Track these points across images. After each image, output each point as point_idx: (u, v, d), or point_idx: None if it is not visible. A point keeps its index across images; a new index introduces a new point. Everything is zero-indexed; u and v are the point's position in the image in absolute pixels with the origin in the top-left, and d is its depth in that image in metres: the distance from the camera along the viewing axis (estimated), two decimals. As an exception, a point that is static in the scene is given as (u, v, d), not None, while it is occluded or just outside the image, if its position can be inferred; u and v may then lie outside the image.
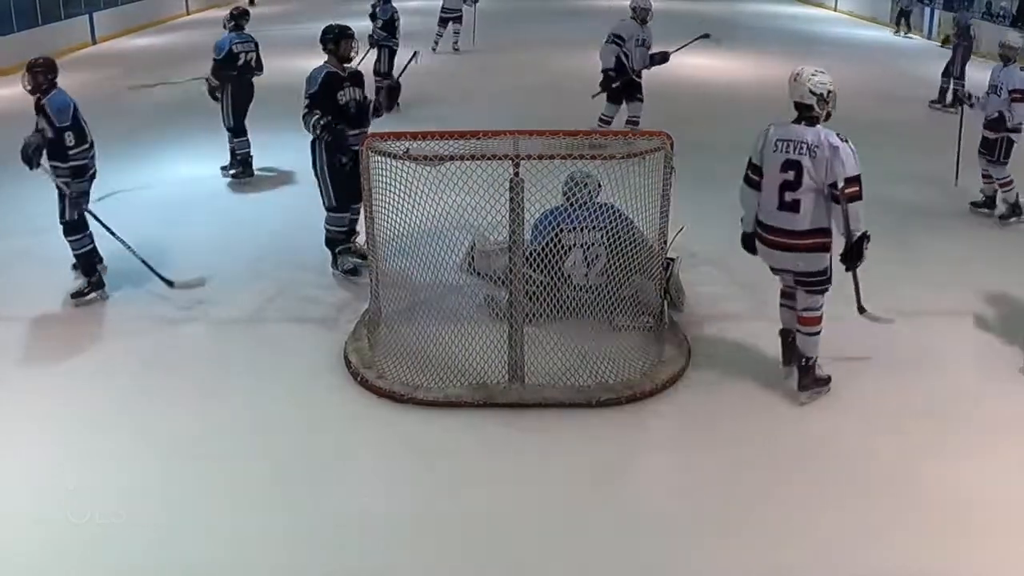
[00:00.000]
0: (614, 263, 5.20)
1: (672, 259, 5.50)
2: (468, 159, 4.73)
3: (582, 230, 5.37)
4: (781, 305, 4.80)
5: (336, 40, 6.02)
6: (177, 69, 12.65)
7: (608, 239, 5.30)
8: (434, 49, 15.10)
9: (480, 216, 4.83)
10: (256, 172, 8.57)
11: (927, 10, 18.65)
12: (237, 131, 8.26)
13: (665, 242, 5.27)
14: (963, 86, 10.25)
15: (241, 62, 8.09)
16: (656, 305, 5.31)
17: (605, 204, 5.39)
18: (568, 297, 5.09)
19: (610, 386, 4.68)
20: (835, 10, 22.23)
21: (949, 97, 11.20)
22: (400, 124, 6.01)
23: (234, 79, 8.09)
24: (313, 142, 5.99)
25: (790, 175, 4.33)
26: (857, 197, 4.29)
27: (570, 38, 17.10)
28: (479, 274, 5.74)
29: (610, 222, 5.29)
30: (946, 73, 11.57)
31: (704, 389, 4.80)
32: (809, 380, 4.63)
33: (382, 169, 5.01)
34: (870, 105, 11.68)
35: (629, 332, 5.16)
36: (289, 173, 8.59)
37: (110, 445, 4.36)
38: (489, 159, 4.68)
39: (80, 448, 4.35)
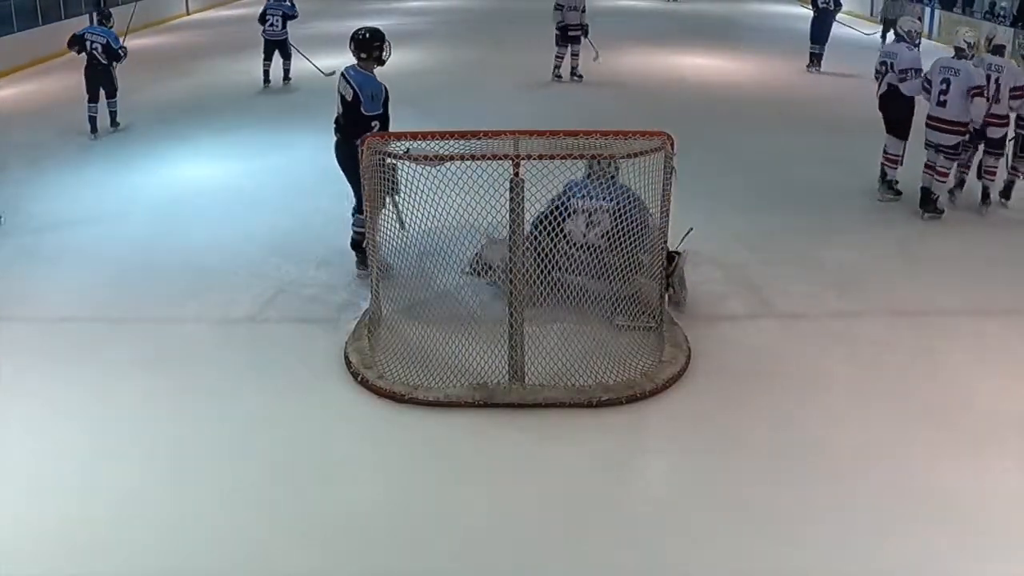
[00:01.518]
0: (617, 232, 5.18)
1: (679, 253, 5.51)
2: (468, 159, 4.73)
3: (592, 198, 5.43)
4: (923, 172, 7.40)
5: (382, 46, 5.91)
6: (177, 68, 12.70)
7: (616, 211, 5.30)
8: (559, 77, 13.06)
9: (480, 216, 4.83)
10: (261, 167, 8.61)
11: (927, 10, 18.63)
12: (89, 97, 9.96)
13: (666, 242, 5.27)
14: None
15: (88, 47, 9.88)
16: (657, 306, 5.30)
17: (622, 185, 5.42)
18: (567, 257, 5.09)
19: (610, 386, 4.69)
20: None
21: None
22: (400, 124, 5.99)
23: (87, 59, 9.91)
24: (356, 147, 5.93)
25: (944, 86, 7.10)
26: (980, 95, 7.03)
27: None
28: (480, 274, 5.69)
29: (622, 201, 5.29)
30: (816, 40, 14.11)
31: (704, 389, 4.80)
32: (931, 206, 7.28)
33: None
34: (869, 105, 11.69)
35: (629, 332, 5.15)
36: (291, 172, 8.61)
37: (110, 445, 4.36)
38: (489, 159, 4.68)
39: (79, 448, 4.35)
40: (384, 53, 5.94)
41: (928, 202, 7.30)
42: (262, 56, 12.54)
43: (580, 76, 13.06)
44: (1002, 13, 16.44)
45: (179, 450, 4.33)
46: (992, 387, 4.85)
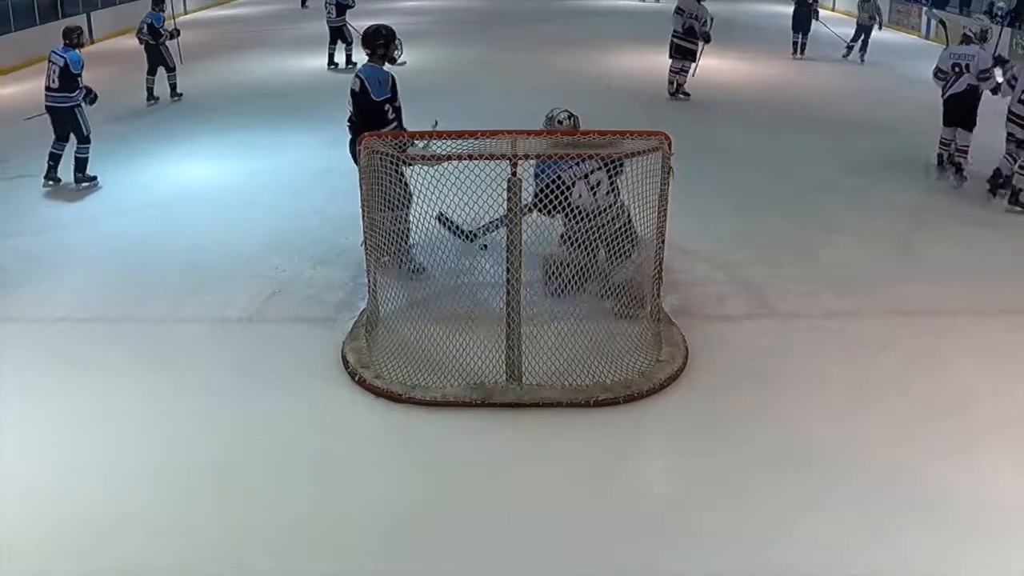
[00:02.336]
0: (615, 180, 5.26)
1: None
2: (466, 159, 4.73)
3: (578, 163, 5.45)
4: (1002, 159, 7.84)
5: (387, 43, 5.97)
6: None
7: (604, 163, 5.37)
8: (673, 94, 11.87)
9: (477, 216, 4.83)
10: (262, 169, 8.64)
11: (924, 9, 18.66)
12: (147, 69, 11.66)
13: (663, 242, 5.27)
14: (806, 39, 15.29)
15: (144, 29, 11.65)
16: (653, 298, 5.29)
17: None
18: (588, 231, 5.20)
19: (608, 386, 4.68)
20: (832, 10, 22.26)
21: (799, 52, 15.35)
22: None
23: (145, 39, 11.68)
24: None
25: None
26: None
27: (571, 38, 17.13)
28: (551, 278, 5.47)
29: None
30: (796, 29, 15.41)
31: (702, 389, 4.80)
32: (1015, 199, 7.50)
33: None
34: (867, 105, 11.72)
35: (624, 333, 5.12)
36: (289, 172, 8.61)
37: (108, 444, 4.36)
38: (487, 159, 4.68)
39: (78, 447, 4.35)
40: (390, 51, 6.00)
41: (1016, 195, 7.59)
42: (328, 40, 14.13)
43: (687, 95, 11.80)
44: (1000, 13, 16.44)
45: (177, 449, 4.33)
46: (990, 387, 4.84)
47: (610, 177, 5.41)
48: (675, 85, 11.82)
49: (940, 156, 8.56)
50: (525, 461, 4.26)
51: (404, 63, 10.84)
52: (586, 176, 5.51)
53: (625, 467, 4.27)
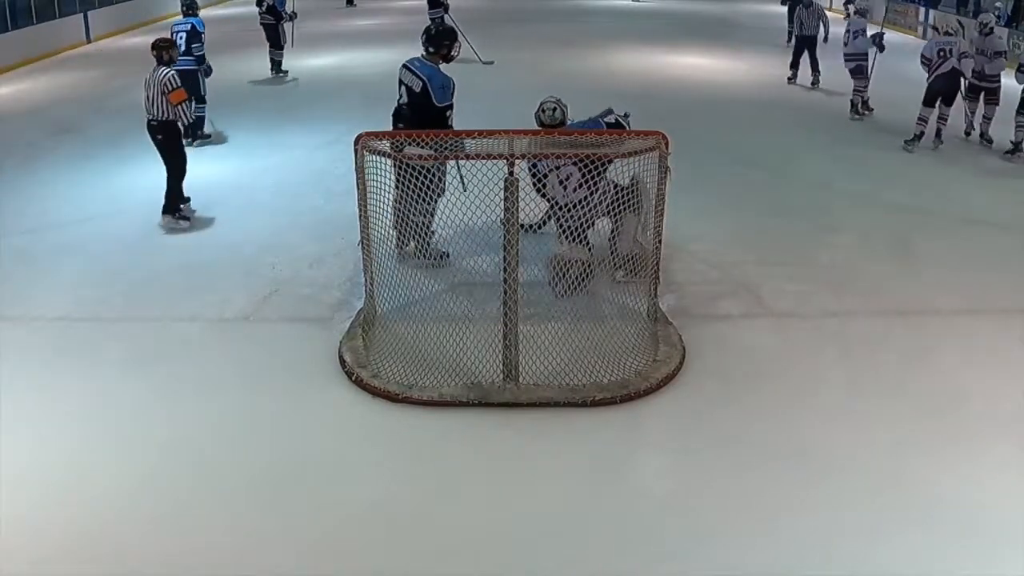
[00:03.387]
0: (589, 175, 5.30)
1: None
2: (463, 158, 4.72)
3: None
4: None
5: (451, 44, 6.11)
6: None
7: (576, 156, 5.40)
8: (858, 115, 10.91)
9: (475, 215, 4.83)
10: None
11: (922, 9, 18.67)
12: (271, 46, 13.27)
13: (660, 241, 5.27)
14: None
15: (263, 7, 12.88)
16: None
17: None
18: (567, 219, 5.36)
19: (605, 385, 4.68)
20: (830, 9, 22.28)
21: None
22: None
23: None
24: None
25: None
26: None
27: (569, 38, 17.10)
28: (556, 278, 5.55)
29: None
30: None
31: (699, 388, 4.80)
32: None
33: (377, 168, 5.01)
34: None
35: (620, 332, 5.13)
36: (286, 172, 8.60)
37: (105, 445, 4.36)
38: (484, 158, 4.68)
39: (75, 448, 4.34)
40: (452, 51, 6.12)
41: None
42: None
43: (871, 109, 11.03)
44: (997, 13, 16.46)
45: (173, 449, 4.32)
46: (986, 387, 4.84)
47: (582, 172, 5.37)
48: (862, 103, 11.09)
49: (917, 135, 9.42)
50: (522, 460, 4.25)
51: (492, 62, 11.01)
52: (557, 169, 5.54)
53: (622, 467, 4.26)
